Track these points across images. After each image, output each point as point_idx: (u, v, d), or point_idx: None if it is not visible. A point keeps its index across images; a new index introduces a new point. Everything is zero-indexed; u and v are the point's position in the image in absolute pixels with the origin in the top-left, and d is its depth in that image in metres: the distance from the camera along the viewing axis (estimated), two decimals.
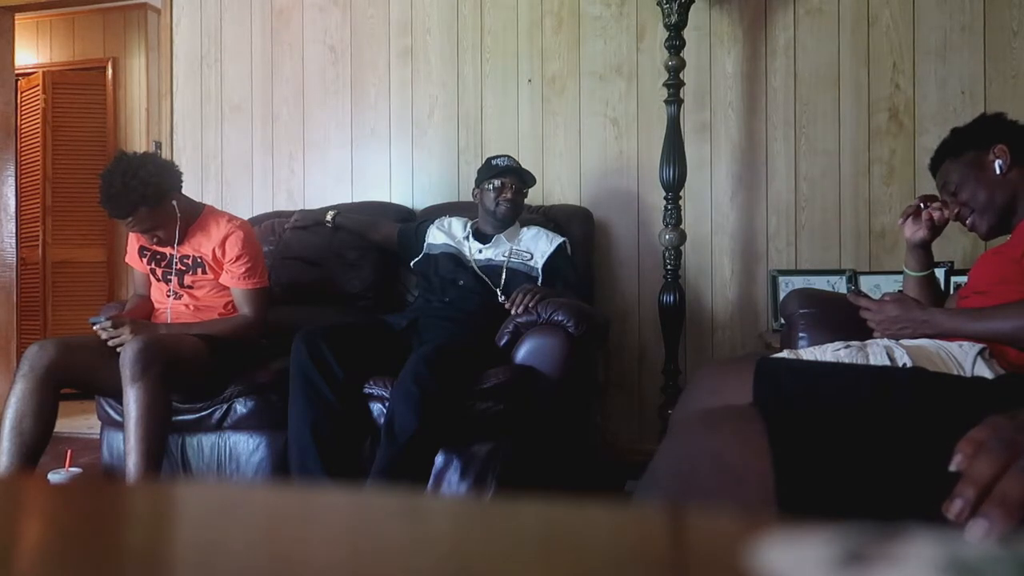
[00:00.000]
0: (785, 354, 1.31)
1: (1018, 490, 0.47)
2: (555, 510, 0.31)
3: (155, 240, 2.24)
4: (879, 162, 2.66)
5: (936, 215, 1.57)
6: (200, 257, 2.28)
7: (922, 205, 1.59)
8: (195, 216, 2.30)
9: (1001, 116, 1.56)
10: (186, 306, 2.30)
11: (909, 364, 1.22)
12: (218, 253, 2.27)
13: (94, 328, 2.10)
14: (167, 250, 2.29)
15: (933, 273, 1.64)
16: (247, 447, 2.18)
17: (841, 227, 2.68)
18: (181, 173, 2.27)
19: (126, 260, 2.50)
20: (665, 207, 2.52)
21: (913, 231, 1.60)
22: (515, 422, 1.98)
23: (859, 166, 2.67)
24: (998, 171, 1.47)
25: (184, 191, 2.30)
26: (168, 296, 2.31)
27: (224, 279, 2.29)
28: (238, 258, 2.26)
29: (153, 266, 2.32)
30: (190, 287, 2.30)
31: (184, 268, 2.29)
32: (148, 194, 2.11)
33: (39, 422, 1.95)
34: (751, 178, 2.75)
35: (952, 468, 0.52)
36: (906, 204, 1.66)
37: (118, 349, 2.03)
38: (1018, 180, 1.47)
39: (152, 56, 4.54)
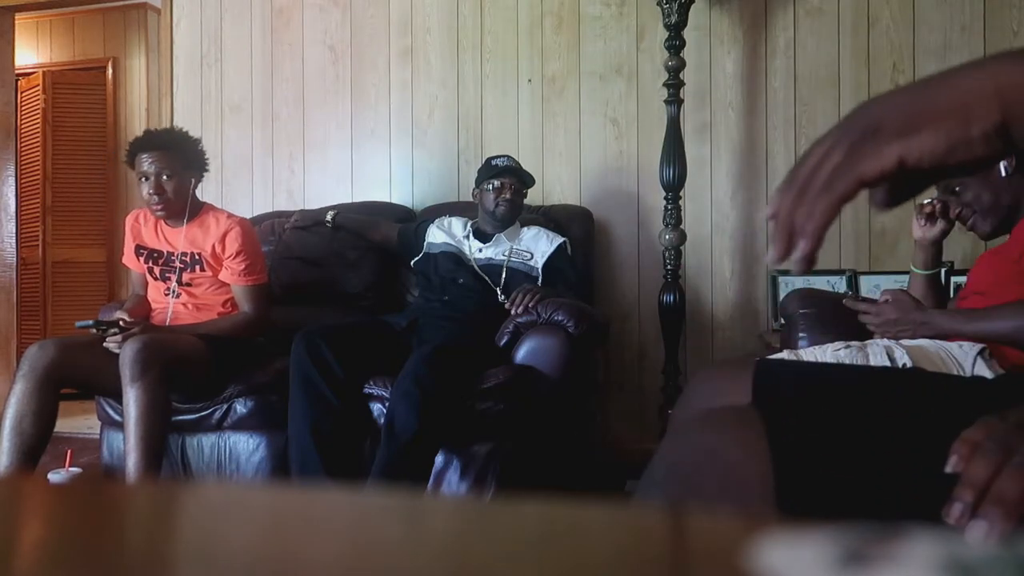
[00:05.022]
0: (785, 354, 1.31)
1: (1015, 489, 0.48)
2: (555, 510, 0.31)
3: (158, 206, 2.20)
4: None
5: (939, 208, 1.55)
6: (198, 254, 2.28)
7: (938, 205, 1.57)
8: (196, 212, 2.31)
9: None
10: (185, 304, 2.30)
11: (909, 364, 1.22)
12: (217, 249, 2.27)
13: (93, 333, 2.09)
14: (164, 248, 2.30)
15: (939, 273, 1.64)
16: (247, 447, 2.18)
17: (841, 227, 2.68)
18: (208, 164, 2.38)
19: (123, 261, 2.50)
20: (665, 207, 2.52)
21: (927, 229, 1.58)
22: (515, 422, 1.98)
23: None
24: (1003, 173, 1.45)
25: None
26: (166, 295, 2.31)
27: (223, 276, 2.29)
28: (238, 254, 2.26)
29: (151, 264, 2.32)
30: (188, 285, 2.30)
31: (183, 266, 2.29)
32: (187, 148, 2.26)
33: (39, 422, 1.95)
34: (751, 178, 2.75)
35: (948, 470, 0.53)
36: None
37: (115, 350, 2.03)
38: (1022, 181, 1.46)
39: (152, 56, 4.54)
